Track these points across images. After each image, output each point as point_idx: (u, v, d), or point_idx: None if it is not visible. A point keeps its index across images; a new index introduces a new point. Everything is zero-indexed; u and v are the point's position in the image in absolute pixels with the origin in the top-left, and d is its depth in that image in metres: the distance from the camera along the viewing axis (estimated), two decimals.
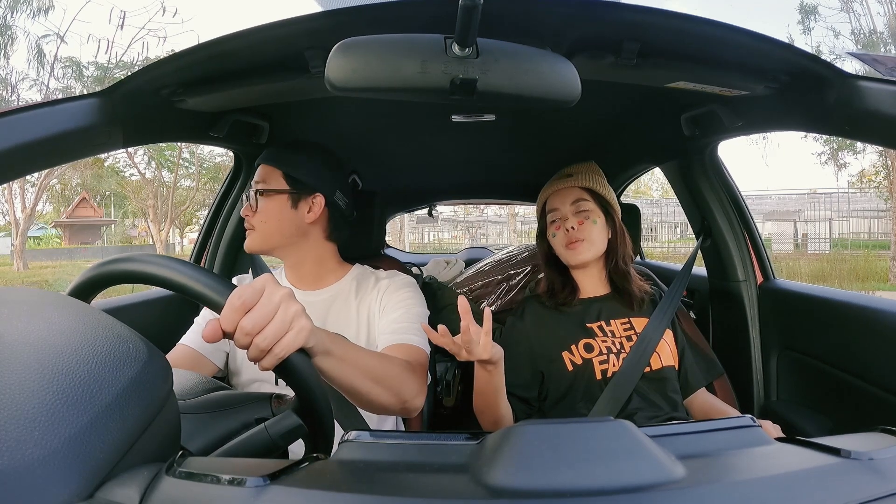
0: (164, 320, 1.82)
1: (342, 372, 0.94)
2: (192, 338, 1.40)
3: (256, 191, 1.38)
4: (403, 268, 1.92)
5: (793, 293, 1.81)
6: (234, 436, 0.73)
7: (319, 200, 1.43)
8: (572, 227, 1.59)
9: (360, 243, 1.64)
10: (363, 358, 1.04)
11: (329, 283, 1.47)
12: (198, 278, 0.70)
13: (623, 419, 0.58)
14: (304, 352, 0.75)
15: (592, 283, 1.67)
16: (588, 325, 1.59)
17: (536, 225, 1.77)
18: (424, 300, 1.47)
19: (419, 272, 2.76)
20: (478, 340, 1.15)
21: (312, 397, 0.74)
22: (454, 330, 1.18)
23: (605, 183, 1.69)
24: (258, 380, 1.33)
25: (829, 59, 1.00)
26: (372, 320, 1.41)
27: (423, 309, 1.43)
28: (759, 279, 1.94)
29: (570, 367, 1.52)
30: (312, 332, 0.79)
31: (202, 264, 2.01)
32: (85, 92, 1.15)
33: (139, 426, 0.51)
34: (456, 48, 0.78)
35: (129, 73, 1.07)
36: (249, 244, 1.40)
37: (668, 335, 1.60)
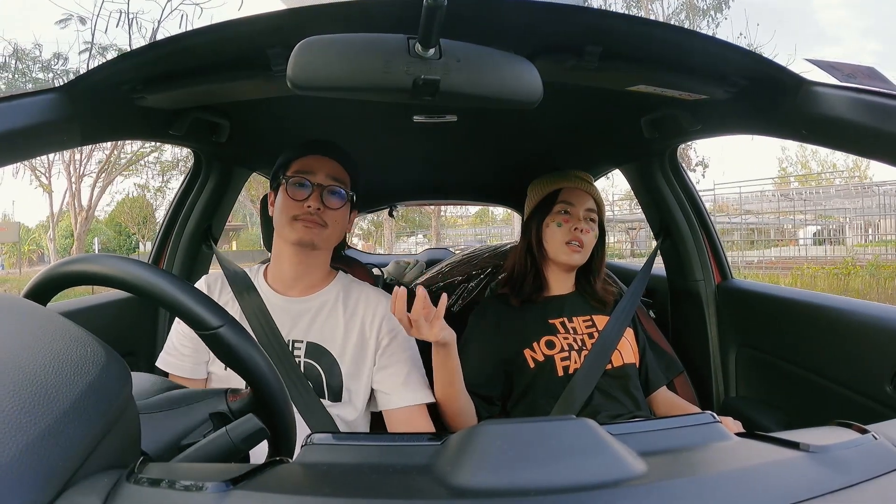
0: (121, 322, 1.79)
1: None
2: (170, 363, 1.36)
3: (338, 189, 1.36)
4: (366, 269, 1.91)
5: (750, 292, 1.85)
6: (189, 433, 0.72)
7: (354, 215, 1.46)
8: (581, 230, 1.61)
9: None
10: None
11: (315, 291, 1.43)
12: (153, 278, 0.69)
13: (585, 417, 0.58)
14: (264, 355, 0.74)
15: (560, 282, 1.68)
16: (550, 321, 1.60)
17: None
18: None
19: (380, 273, 2.75)
20: (428, 322, 1.22)
21: (274, 401, 0.73)
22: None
23: None
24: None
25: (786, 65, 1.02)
26: (366, 337, 1.39)
27: (415, 344, 1.44)
28: (717, 278, 1.98)
29: (531, 365, 1.53)
30: None
31: (161, 264, 1.97)
32: None
33: (98, 432, 0.49)
34: (419, 48, 0.78)
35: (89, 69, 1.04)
36: (313, 238, 1.33)
37: (629, 333, 1.63)
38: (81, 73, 1.02)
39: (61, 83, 1.00)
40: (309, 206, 1.31)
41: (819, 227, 20.90)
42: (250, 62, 1.06)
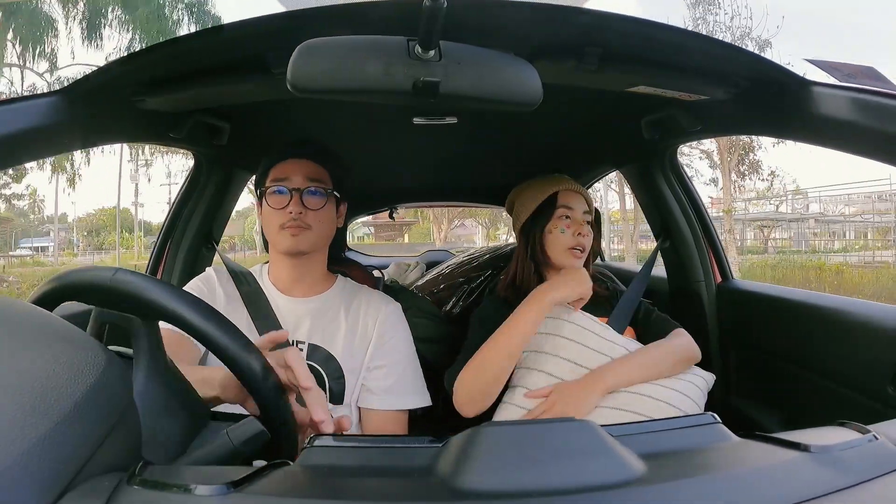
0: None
1: None
2: None
3: (317, 190, 1.34)
4: (366, 272, 1.91)
5: (750, 293, 1.85)
6: None
7: (343, 208, 1.45)
8: (583, 234, 1.60)
9: None
10: None
11: (317, 293, 1.43)
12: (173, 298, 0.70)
13: (586, 419, 0.58)
14: (267, 367, 0.75)
15: None
16: None
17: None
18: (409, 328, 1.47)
19: (380, 275, 2.75)
20: None
21: (277, 409, 0.74)
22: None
23: None
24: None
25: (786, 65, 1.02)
26: (367, 339, 1.38)
27: (412, 346, 1.45)
28: (718, 279, 1.98)
29: None
30: None
31: (161, 267, 1.97)
32: None
33: (99, 435, 0.49)
34: (419, 50, 0.78)
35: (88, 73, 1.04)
36: (300, 245, 1.33)
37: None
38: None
39: None
40: (290, 213, 1.31)
41: None
42: (250, 65, 1.06)
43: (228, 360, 0.71)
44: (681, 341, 1.54)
